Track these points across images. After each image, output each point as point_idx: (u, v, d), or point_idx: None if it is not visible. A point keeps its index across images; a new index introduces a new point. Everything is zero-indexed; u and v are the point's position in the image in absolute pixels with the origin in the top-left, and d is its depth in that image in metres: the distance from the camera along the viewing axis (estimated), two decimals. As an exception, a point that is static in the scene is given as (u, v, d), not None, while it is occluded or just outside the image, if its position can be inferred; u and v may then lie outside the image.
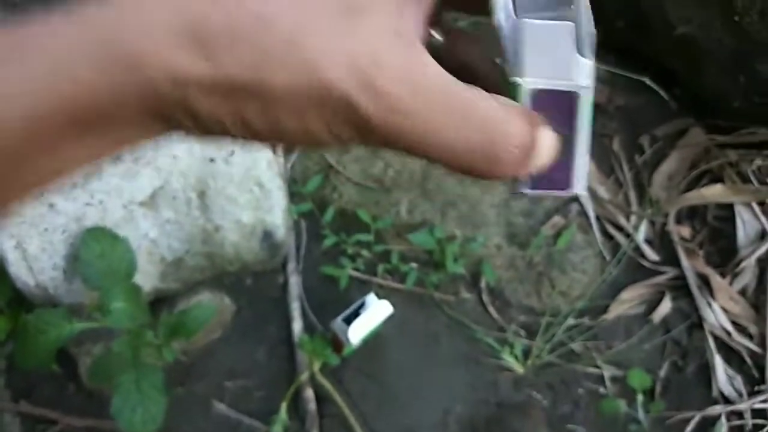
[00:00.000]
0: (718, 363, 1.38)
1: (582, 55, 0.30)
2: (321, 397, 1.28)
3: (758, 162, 1.52)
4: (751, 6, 1.28)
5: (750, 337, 1.41)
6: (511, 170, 0.30)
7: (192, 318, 1.05)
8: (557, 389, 1.36)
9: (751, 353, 1.39)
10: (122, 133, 0.28)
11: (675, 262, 1.46)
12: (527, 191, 0.32)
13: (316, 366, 1.27)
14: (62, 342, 0.95)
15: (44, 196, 0.97)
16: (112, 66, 0.26)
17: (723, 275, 1.45)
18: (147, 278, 1.09)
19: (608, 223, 1.50)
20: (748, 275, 1.45)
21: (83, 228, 1.00)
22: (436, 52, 0.29)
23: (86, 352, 1.18)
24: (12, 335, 1.15)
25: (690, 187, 1.53)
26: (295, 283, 1.36)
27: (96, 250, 0.95)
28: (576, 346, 1.39)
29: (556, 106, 0.30)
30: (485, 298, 1.40)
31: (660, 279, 1.45)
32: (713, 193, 1.51)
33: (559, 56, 0.30)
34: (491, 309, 1.40)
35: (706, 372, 1.38)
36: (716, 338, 1.40)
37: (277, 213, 1.14)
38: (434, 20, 0.32)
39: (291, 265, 1.37)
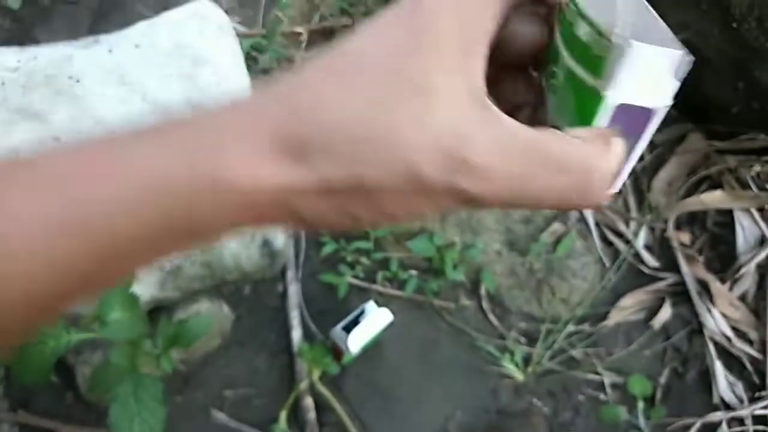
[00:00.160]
0: (719, 369, 1.37)
1: (677, 78, 0.31)
2: (320, 406, 1.27)
3: (757, 168, 1.52)
4: (749, 13, 1.28)
5: (750, 342, 1.41)
6: (604, 197, 0.31)
7: (191, 327, 1.05)
8: (558, 396, 1.35)
9: (752, 359, 1.39)
10: (216, 236, 0.29)
11: (675, 268, 1.46)
12: None
13: (316, 374, 1.26)
14: (60, 353, 0.95)
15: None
16: (210, 185, 0.27)
17: (723, 281, 1.45)
18: (145, 287, 1.09)
19: (608, 230, 1.50)
20: (747, 281, 1.45)
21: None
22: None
23: (84, 362, 1.18)
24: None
25: (689, 193, 1.52)
26: (294, 291, 1.35)
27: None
28: (576, 352, 1.38)
29: (633, 119, 0.31)
30: (485, 305, 1.40)
31: (660, 285, 1.45)
32: (713, 198, 1.51)
33: (655, 77, 0.31)
34: (491, 316, 1.40)
35: (706, 378, 1.38)
36: (716, 344, 1.40)
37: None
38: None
39: (290, 273, 1.36)
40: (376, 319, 1.24)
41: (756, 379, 1.38)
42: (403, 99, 0.27)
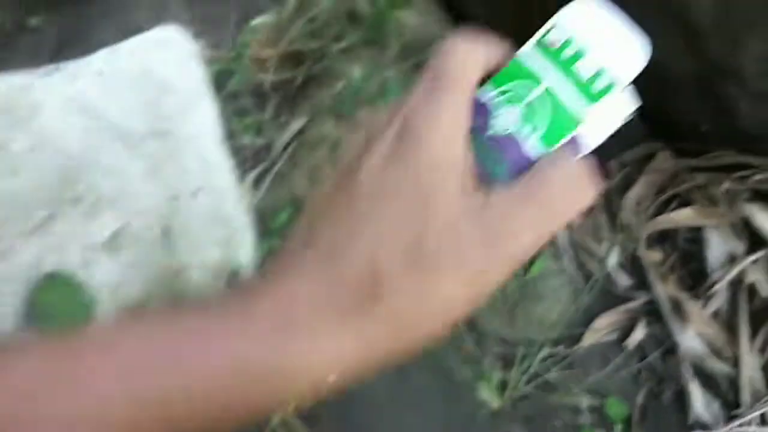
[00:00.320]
0: (694, 388, 1.37)
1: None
2: (294, 439, 1.24)
3: (726, 185, 1.53)
4: (715, 31, 1.29)
5: (725, 360, 1.41)
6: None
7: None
8: (536, 422, 1.34)
9: (727, 376, 1.39)
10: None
11: (648, 287, 1.46)
12: None
13: (289, 408, 1.23)
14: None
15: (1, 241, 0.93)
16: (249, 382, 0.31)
17: (696, 298, 1.45)
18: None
19: (580, 250, 1.49)
20: (720, 298, 1.45)
21: (41, 273, 0.96)
22: None
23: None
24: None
25: (660, 212, 1.53)
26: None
27: (53, 297, 0.91)
28: (552, 375, 1.37)
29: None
30: (460, 329, 1.39)
31: (633, 305, 1.45)
32: (683, 216, 1.52)
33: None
34: (467, 340, 1.38)
35: (682, 398, 1.37)
36: (691, 363, 1.40)
37: (245, 250, 1.12)
38: None
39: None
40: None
41: (731, 397, 1.37)
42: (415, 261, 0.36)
